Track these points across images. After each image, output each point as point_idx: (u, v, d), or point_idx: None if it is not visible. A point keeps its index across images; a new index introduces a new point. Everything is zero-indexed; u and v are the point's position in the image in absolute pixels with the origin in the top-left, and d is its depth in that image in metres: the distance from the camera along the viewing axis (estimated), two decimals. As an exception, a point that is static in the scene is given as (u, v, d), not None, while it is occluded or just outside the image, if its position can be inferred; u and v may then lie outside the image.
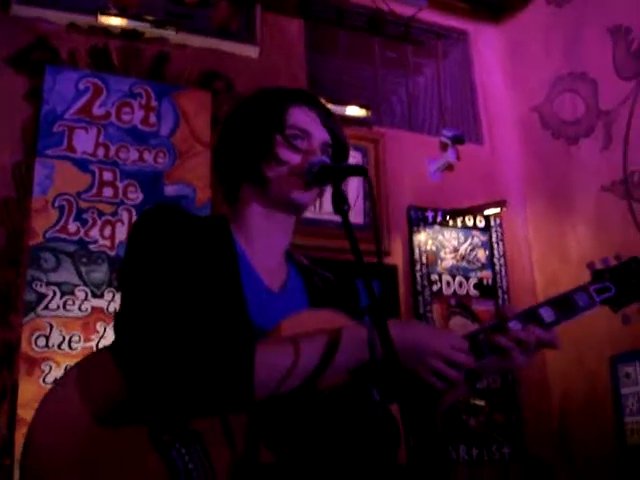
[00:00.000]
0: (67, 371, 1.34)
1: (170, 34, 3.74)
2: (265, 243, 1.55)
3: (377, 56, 4.38)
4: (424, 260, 4.00)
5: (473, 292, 4.09)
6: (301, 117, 1.55)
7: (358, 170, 1.48)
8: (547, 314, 1.50)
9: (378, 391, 1.36)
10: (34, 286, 3.17)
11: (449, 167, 4.04)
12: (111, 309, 3.27)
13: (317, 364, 1.31)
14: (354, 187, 3.79)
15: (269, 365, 1.28)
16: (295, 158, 1.50)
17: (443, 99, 4.52)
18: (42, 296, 3.18)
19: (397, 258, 3.96)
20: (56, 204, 3.30)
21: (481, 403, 3.78)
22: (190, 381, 1.24)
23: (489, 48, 4.79)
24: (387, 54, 4.42)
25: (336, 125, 1.61)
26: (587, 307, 1.55)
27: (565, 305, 1.53)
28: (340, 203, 1.40)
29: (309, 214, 3.62)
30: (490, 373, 1.57)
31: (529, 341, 1.44)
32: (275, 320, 1.38)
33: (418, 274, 3.94)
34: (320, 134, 1.55)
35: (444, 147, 4.05)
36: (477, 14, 4.81)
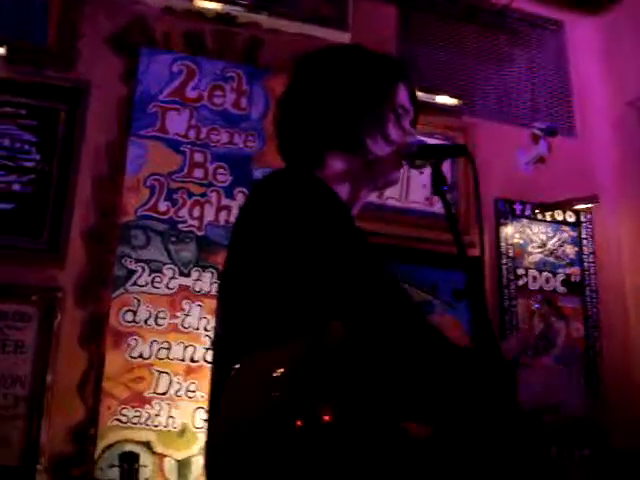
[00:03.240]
0: None
1: (263, 19, 3.76)
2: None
3: (470, 45, 4.30)
4: (510, 253, 3.92)
5: (560, 289, 3.98)
6: (405, 94, 1.51)
7: (459, 149, 1.43)
8: None
9: None
10: (124, 262, 3.24)
11: (540, 160, 3.93)
12: (197, 288, 3.32)
13: None
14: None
15: None
16: (401, 137, 1.46)
17: (536, 90, 4.41)
18: (131, 272, 3.24)
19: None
20: (148, 183, 3.36)
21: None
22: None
23: (585, 39, 4.64)
24: (480, 43, 4.33)
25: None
26: None
27: None
28: (439, 184, 1.37)
29: (395, 202, 3.61)
30: None
31: None
32: None
33: (504, 267, 3.86)
34: (412, 112, 1.52)
35: (536, 139, 3.95)
36: (573, 4, 4.66)
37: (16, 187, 3.23)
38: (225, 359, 1.20)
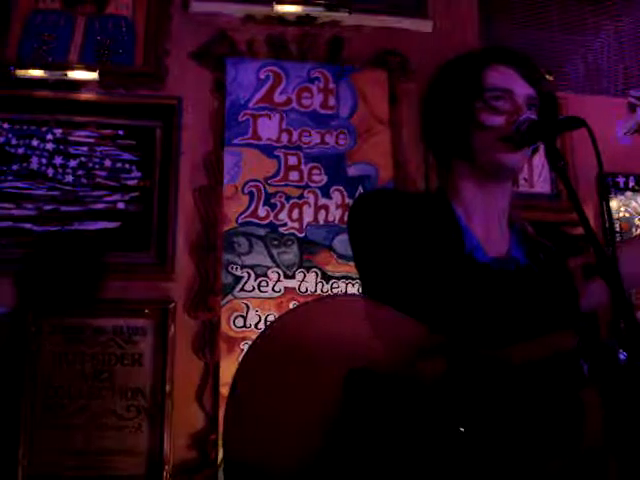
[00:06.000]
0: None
1: (343, 16, 3.76)
2: (484, 214, 1.50)
3: (554, 19, 4.20)
4: (618, 228, 3.80)
5: (673, 259, 3.83)
6: (498, 76, 1.48)
7: (574, 121, 1.38)
8: None
9: (589, 368, 1.22)
10: (230, 269, 3.31)
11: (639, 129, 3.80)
12: (302, 289, 3.35)
13: None
14: (539, 155, 3.65)
15: None
16: (499, 120, 1.43)
17: (627, 58, 4.26)
18: (238, 278, 3.30)
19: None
20: (246, 190, 3.42)
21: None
22: None
23: (674, 0, 4.46)
24: (564, 16, 4.22)
25: (540, 77, 1.54)
26: None
27: None
28: (555, 160, 1.33)
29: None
30: None
31: None
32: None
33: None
34: (522, 89, 1.47)
35: (632, 108, 3.80)
36: (659, -34, 4.50)
37: (120, 205, 3.34)
38: None
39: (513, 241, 1.53)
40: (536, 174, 3.63)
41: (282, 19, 3.72)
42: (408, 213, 1.43)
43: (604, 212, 3.72)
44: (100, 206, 3.33)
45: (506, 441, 1.20)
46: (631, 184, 3.87)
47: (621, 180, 3.86)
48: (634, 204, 3.88)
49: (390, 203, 1.46)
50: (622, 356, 1.20)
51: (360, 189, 3.48)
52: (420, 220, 1.42)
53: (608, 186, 3.80)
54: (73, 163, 3.36)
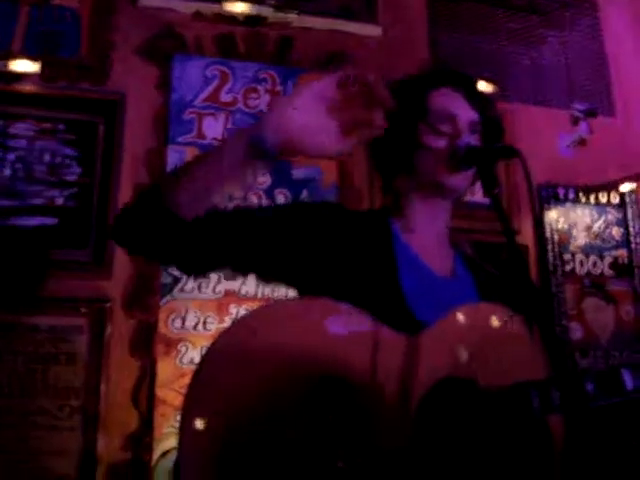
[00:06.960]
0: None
1: (292, 17, 3.75)
2: (427, 230, 1.52)
3: (501, 29, 4.25)
4: (556, 239, 3.87)
5: (608, 272, 3.92)
6: (443, 100, 1.50)
7: (507, 151, 1.41)
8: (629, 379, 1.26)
9: (540, 399, 1.23)
10: (170, 269, 3.26)
11: (581, 142, 3.87)
12: (243, 292, 3.33)
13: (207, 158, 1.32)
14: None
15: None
16: (441, 143, 1.45)
17: (572, 71, 4.34)
18: (178, 279, 3.26)
19: (528, 237, 3.83)
20: (188, 190, 3.37)
21: None
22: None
23: (619, 16, 4.55)
24: (511, 26, 4.27)
25: (485, 102, 1.56)
26: None
27: None
28: (490, 186, 1.35)
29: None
30: None
31: None
32: (447, 303, 1.34)
33: (550, 254, 3.82)
34: (466, 114, 1.49)
35: (575, 121, 3.88)
36: (605, -20, 4.59)
37: (59, 201, 3.27)
38: None
39: (457, 260, 1.56)
40: (476, 184, 3.66)
41: (231, 18, 3.69)
42: (344, 230, 1.45)
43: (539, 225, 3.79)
44: (38, 201, 3.25)
45: (478, 466, 1.23)
46: (571, 196, 3.94)
47: (561, 191, 3.93)
48: (573, 215, 3.95)
49: (329, 216, 1.47)
50: (589, 387, 1.23)
51: (304, 192, 3.47)
52: (354, 239, 1.44)
53: (542, 205, 3.86)
54: (11, 156, 3.27)
